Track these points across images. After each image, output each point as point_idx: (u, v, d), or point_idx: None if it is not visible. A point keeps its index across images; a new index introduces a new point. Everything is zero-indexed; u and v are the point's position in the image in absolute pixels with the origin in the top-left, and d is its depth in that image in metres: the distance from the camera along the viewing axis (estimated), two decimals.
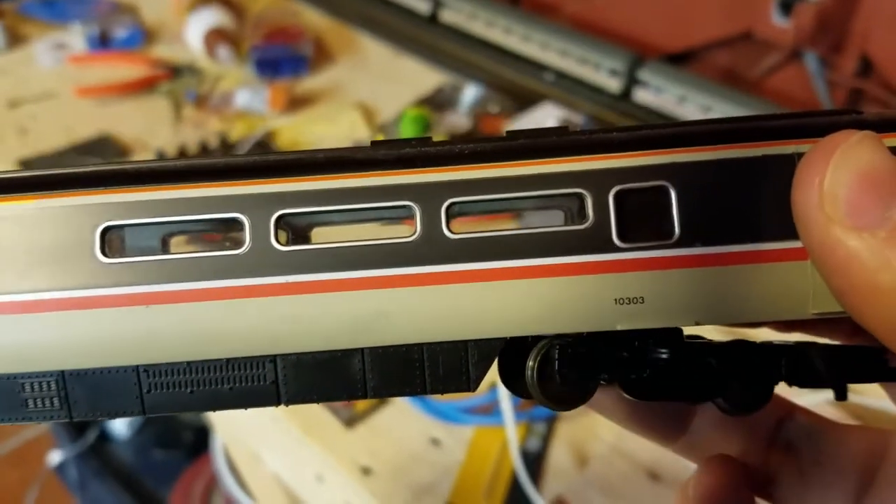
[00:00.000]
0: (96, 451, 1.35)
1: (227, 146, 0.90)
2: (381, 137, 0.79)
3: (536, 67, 1.08)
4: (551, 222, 0.27)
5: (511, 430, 0.60)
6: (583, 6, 1.16)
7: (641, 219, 0.26)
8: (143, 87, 1.02)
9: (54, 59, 1.08)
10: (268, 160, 0.27)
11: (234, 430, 0.78)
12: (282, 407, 0.27)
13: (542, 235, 0.26)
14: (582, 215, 0.26)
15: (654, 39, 1.09)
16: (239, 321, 0.25)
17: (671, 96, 0.96)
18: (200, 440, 1.30)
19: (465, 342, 0.26)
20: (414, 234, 0.26)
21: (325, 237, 0.27)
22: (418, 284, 0.26)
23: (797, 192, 0.24)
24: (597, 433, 0.63)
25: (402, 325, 0.26)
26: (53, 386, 0.26)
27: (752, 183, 0.26)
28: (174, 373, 0.26)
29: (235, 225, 0.26)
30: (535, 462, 0.61)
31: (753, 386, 0.28)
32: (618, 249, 0.26)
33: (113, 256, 0.26)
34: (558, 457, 0.61)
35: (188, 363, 0.26)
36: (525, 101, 1.00)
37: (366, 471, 0.61)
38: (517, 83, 1.06)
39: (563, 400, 0.27)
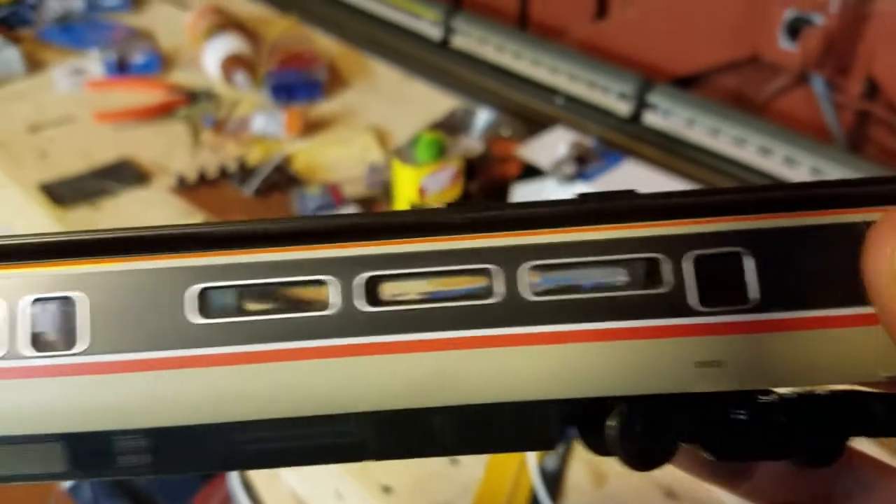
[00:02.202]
0: None
1: (245, 170, 0.92)
2: (396, 161, 0.81)
3: (546, 91, 1.09)
4: (611, 281, 0.28)
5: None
6: (590, 31, 1.18)
7: (718, 283, 0.27)
8: (161, 112, 1.04)
9: (73, 85, 1.10)
10: (351, 223, 0.28)
11: None
12: None
13: (623, 299, 0.27)
14: (655, 279, 0.27)
15: (660, 63, 1.11)
16: (331, 379, 0.26)
17: (680, 119, 0.97)
18: None
19: (547, 402, 0.27)
20: (496, 295, 0.27)
21: (394, 292, 0.28)
22: (502, 345, 0.27)
23: (868, 260, 0.25)
24: None
25: (485, 384, 0.27)
26: (145, 443, 0.27)
27: (824, 249, 0.27)
28: (269, 429, 0.27)
29: (318, 285, 0.27)
30: (553, 480, 0.62)
31: (827, 441, 0.29)
32: (698, 313, 0.27)
33: (207, 317, 0.27)
34: (576, 475, 0.62)
35: (283, 419, 0.27)
36: (536, 124, 1.02)
37: (386, 489, 0.62)
38: (528, 107, 1.08)
39: (646, 459, 0.28)
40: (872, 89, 0.94)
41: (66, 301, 0.26)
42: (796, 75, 0.98)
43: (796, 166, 0.89)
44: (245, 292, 0.27)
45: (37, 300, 0.26)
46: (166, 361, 0.26)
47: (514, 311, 0.27)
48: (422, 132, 0.83)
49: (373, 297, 0.27)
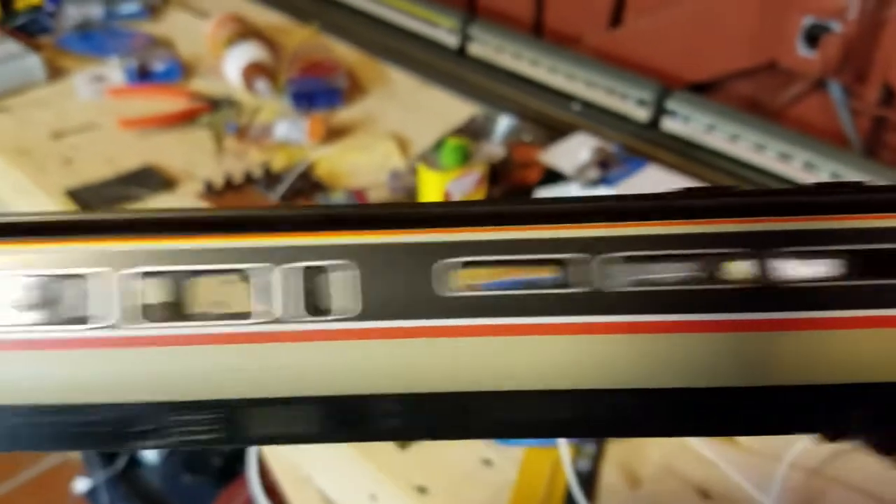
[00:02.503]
0: (126, 476, 1.36)
1: (271, 176, 0.92)
2: (422, 166, 0.82)
3: (564, 98, 1.11)
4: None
5: (565, 450, 0.62)
6: (604, 38, 1.19)
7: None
8: (184, 119, 1.05)
9: (94, 92, 1.11)
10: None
11: (280, 452, 0.79)
12: None
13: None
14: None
15: (675, 70, 1.12)
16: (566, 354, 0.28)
17: (699, 125, 0.99)
18: (229, 465, 1.31)
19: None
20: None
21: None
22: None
23: None
24: (645, 453, 0.64)
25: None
26: (399, 408, 0.28)
27: None
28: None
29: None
30: (586, 482, 0.62)
31: None
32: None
33: (455, 291, 0.28)
34: (609, 477, 0.63)
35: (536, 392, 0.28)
36: (554, 130, 1.03)
37: (422, 490, 0.62)
38: (545, 113, 1.09)
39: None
40: (889, 95, 0.96)
41: (343, 266, 0.28)
42: (813, 82, 0.99)
43: (816, 171, 0.90)
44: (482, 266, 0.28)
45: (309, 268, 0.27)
46: (425, 330, 0.27)
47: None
48: (446, 138, 0.84)
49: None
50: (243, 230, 0.28)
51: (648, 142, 1.02)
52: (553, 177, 0.91)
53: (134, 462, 1.37)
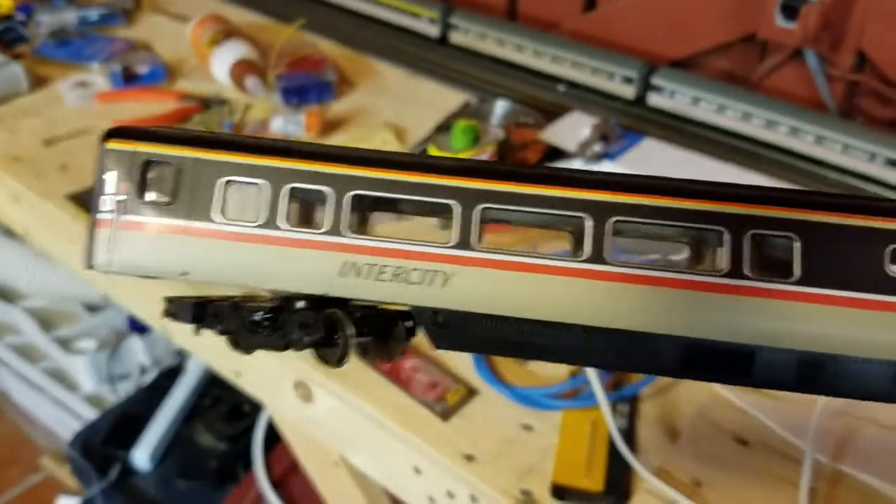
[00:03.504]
0: (120, 486, 1.34)
1: None
2: (433, 148, 0.83)
3: (550, 80, 1.13)
4: None
5: (606, 408, 0.64)
6: (580, 22, 1.22)
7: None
8: (177, 119, 1.05)
9: (81, 98, 1.10)
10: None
11: (315, 435, 0.80)
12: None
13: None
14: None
15: (653, 48, 1.15)
16: None
17: (685, 99, 1.02)
18: (225, 468, 1.30)
19: None
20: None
21: None
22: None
23: None
24: (679, 407, 0.67)
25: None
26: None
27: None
28: None
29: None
30: (626, 439, 0.65)
31: None
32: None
33: None
34: (647, 432, 0.65)
35: None
36: (544, 112, 1.05)
37: (469, 458, 0.64)
38: (533, 95, 1.12)
39: None
40: (862, 61, 1.01)
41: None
42: (790, 52, 1.04)
43: (802, 136, 0.94)
44: None
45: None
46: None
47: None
48: (455, 120, 0.86)
49: None
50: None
51: (637, 118, 1.05)
52: (553, 154, 0.94)
53: (127, 471, 1.35)
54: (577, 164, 0.89)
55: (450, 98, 1.12)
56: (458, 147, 0.83)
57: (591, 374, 0.66)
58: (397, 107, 1.13)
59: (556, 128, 0.95)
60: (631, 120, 1.05)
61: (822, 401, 0.62)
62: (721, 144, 0.99)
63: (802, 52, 1.02)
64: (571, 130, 0.92)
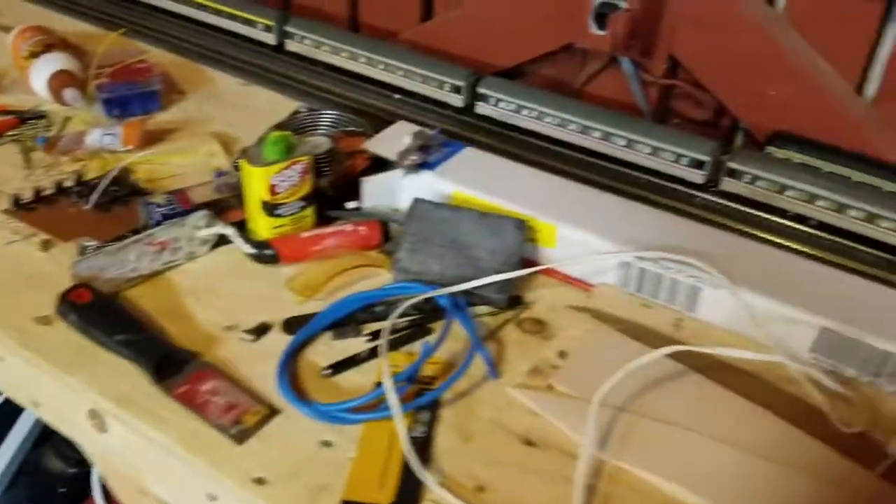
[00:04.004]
0: None
1: (83, 185, 0.90)
2: (244, 162, 0.82)
3: (384, 88, 1.14)
4: None
5: (398, 418, 0.65)
6: (418, 32, 1.24)
7: None
8: None
9: None
10: None
11: (116, 464, 0.77)
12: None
13: None
14: None
15: (485, 58, 1.18)
16: None
17: (509, 107, 1.04)
18: (77, 491, 1.26)
19: None
20: None
21: None
22: None
23: None
24: (475, 412, 0.68)
25: None
26: None
27: None
28: None
29: None
30: (422, 447, 0.65)
31: None
32: None
33: None
34: (444, 439, 0.66)
35: None
36: (379, 121, 1.05)
37: (259, 481, 0.63)
38: (367, 104, 1.12)
39: None
40: (674, 66, 1.05)
41: None
42: (607, 59, 1.08)
43: (614, 140, 0.98)
44: None
45: None
46: None
47: None
48: (268, 132, 0.84)
49: None
50: None
51: (466, 125, 1.07)
52: (380, 165, 0.94)
53: None
54: (397, 174, 0.89)
55: (284, 106, 1.11)
56: (270, 159, 0.82)
57: (387, 382, 0.66)
58: (230, 116, 1.11)
59: (381, 137, 0.95)
60: (461, 128, 1.06)
61: (597, 397, 0.65)
62: (543, 151, 1.02)
63: (618, 59, 1.07)
64: (394, 140, 0.92)
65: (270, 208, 0.83)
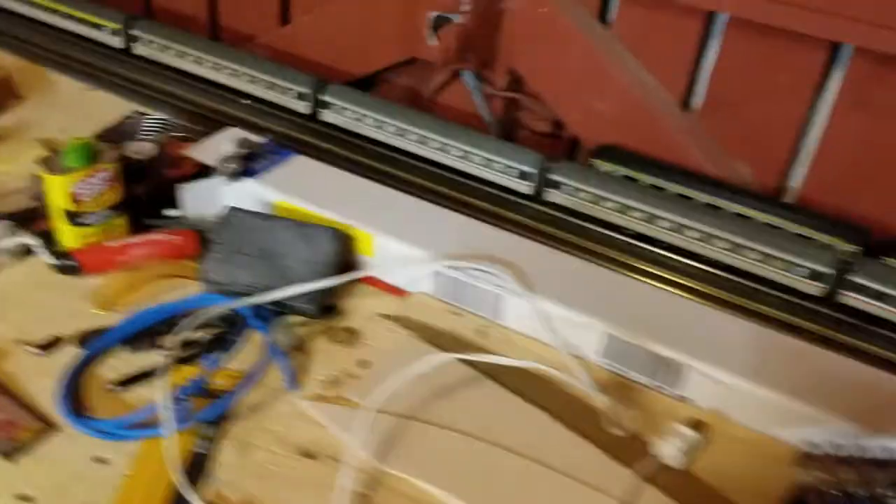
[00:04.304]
0: None
1: None
2: (42, 171, 0.79)
3: (231, 93, 1.12)
4: None
5: (168, 435, 0.63)
6: (275, 36, 1.22)
7: None
8: None
9: None
10: None
11: None
12: None
13: None
14: None
15: (342, 65, 1.17)
16: None
17: (352, 115, 1.04)
18: None
19: None
20: None
21: None
22: None
23: None
24: (265, 426, 0.67)
25: None
26: None
27: None
28: None
29: None
30: (201, 462, 0.64)
31: None
32: None
33: None
34: (225, 455, 0.65)
35: None
36: (221, 125, 1.03)
37: (26, 498, 0.60)
38: (212, 108, 1.10)
39: None
40: (516, 80, 1.06)
41: None
42: (452, 72, 1.08)
43: (450, 150, 0.98)
44: None
45: None
46: None
47: None
48: (71, 140, 0.82)
49: None
50: None
51: (310, 132, 1.06)
52: (206, 171, 0.92)
53: None
54: (216, 181, 0.87)
55: (123, 109, 1.08)
56: (71, 166, 0.79)
57: (160, 397, 0.64)
58: (67, 121, 1.07)
59: (206, 143, 0.93)
60: (305, 135, 1.05)
61: (373, 403, 0.65)
62: (385, 159, 1.01)
63: (462, 72, 1.07)
64: (217, 146, 0.90)
65: (73, 217, 0.81)
